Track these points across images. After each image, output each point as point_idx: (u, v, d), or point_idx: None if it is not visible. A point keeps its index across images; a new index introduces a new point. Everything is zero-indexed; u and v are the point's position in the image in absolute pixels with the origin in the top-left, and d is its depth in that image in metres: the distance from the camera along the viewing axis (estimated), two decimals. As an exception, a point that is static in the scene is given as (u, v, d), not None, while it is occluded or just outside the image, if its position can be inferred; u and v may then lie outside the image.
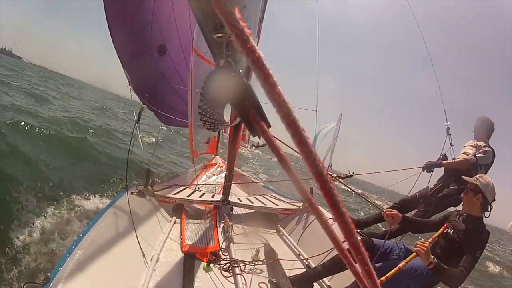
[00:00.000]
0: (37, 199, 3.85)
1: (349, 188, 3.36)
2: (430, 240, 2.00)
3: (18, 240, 2.95)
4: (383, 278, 1.78)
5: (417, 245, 1.88)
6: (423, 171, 3.06)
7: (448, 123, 3.19)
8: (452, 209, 2.62)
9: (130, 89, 3.17)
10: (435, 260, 1.82)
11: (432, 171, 3.06)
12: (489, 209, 2.05)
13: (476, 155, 2.92)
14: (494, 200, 2.05)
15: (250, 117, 0.44)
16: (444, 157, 3.19)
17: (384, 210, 2.13)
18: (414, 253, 1.88)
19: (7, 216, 3.30)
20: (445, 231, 2.07)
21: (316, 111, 3.27)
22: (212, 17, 0.50)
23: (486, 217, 2.06)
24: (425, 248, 1.83)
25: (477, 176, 2.13)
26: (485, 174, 2.88)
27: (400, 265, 1.83)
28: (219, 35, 0.54)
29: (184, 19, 3.46)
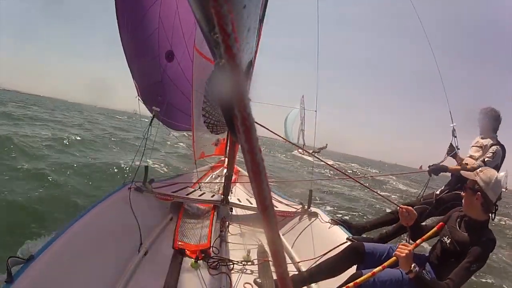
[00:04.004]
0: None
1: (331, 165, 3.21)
2: (418, 241, 1.76)
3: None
4: (350, 284, 1.61)
5: (398, 248, 1.63)
6: (429, 176, 2.88)
7: (454, 124, 2.94)
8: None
9: (139, 99, 3.23)
10: (416, 268, 1.56)
11: (438, 174, 2.85)
12: (493, 210, 1.69)
13: (485, 159, 2.68)
14: (499, 198, 1.69)
15: (233, 118, 0.44)
16: (451, 148, 2.96)
17: (400, 206, 1.90)
18: (393, 257, 1.64)
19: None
20: (441, 239, 1.82)
21: (315, 111, 3.25)
22: (210, 16, 0.50)
23: (492, 219, 1.72)
24: (406, 252, 1.58)
25: (478, 170, 1.78)
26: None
27: (375, 270, 1.63)
28: (217, 35, 0.53)
29: (190, 24, 3.48)
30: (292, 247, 2.65)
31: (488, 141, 2.78)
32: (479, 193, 1.67)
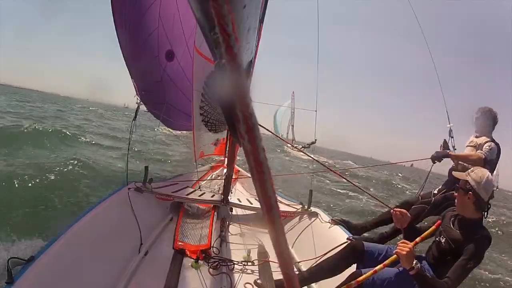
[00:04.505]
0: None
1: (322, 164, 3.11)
2: (417, 239, 1.78)
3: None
4: (352, 282, 1.64)
5: (398, 246, 1.64)
6: (433, 162, 2.86)
7: (451, 124, 2.95)
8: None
9: (138, 99, 3.24)
10: (418, 265, 1.57)
11: (441, 160, 2.84)
12: (485, 209, 1.72)
13: (484, 151, 2.68)
14: (492, 197, 1.71)
15: (235, 118, 0.44)
16: (444, 145, 2.97)
17: (393, 209, 1.92)
18: (394, 255, 1.67)
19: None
20: (437, 239, 1.84)
21: (315, 111, 3.24)
22: (210, 16, 0.50)
23: (485, 218, 1.75)
24: (407, 250, 1.60)
25: (469, 170, 1.78)
26: (492, 171, 2.65)
27: (376, 268, 1.66)
28: (218, 34, 0.53)
29: (190, 23, 3.48)
30: (292, 247, 2.65)
31: (482, 139, 2.80)
32: (470, 192, 1.69)
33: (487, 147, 2.72)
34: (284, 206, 3.18)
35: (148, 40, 3.33)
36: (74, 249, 1.61)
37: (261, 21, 2.31)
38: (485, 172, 1.73)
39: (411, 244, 1.65)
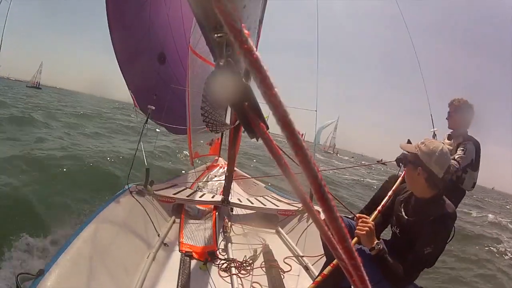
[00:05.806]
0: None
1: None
2: (375, 213, 1.61)
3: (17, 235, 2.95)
4: (318, 278, 1.55)
5: (358, 225, 1.49)
6: (398, 165, 2.54)
7: (435, 129, 2.74)
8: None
9: (136, 111, 3.23)
10: (380, 246, 1.44)
11: (400, 166, 2.48)
12: (441, 186, 1.49)
13: (456, 158, 2.39)
14: (448, 173, 1.48)
15: (249, 118, 0.44)
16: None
17: (356, 216, 1.63)
18: (355, 238, 1.51)
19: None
20: (392, 229, 1.70)
21: (316, 111, 3.25)
22: (212, 16, 0.50)
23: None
24: (366, 229, 1.46)
25: (420, 141, 1.56)
26: (474, 171, 2.50)
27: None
28: (219, 35, 0.54)
29: (178, 26, 3.47)
30: (296, 244, 2.65)
31: (455, 145, 2.54)
32: (420, 167, 1.49)
33: (460, 151, 2.43)
34: (285, 205, 3.19)
35: (141, 43, 3.32)
36: (82, 259, 1.56)
37: (260, 21, 2.31)
38: (438, 145, 1.51)
39: (370, 222, 1.51)
